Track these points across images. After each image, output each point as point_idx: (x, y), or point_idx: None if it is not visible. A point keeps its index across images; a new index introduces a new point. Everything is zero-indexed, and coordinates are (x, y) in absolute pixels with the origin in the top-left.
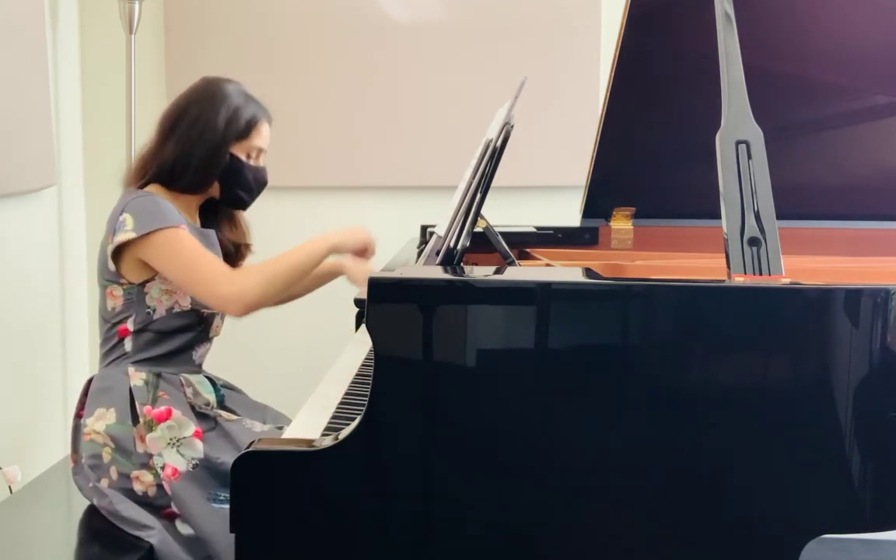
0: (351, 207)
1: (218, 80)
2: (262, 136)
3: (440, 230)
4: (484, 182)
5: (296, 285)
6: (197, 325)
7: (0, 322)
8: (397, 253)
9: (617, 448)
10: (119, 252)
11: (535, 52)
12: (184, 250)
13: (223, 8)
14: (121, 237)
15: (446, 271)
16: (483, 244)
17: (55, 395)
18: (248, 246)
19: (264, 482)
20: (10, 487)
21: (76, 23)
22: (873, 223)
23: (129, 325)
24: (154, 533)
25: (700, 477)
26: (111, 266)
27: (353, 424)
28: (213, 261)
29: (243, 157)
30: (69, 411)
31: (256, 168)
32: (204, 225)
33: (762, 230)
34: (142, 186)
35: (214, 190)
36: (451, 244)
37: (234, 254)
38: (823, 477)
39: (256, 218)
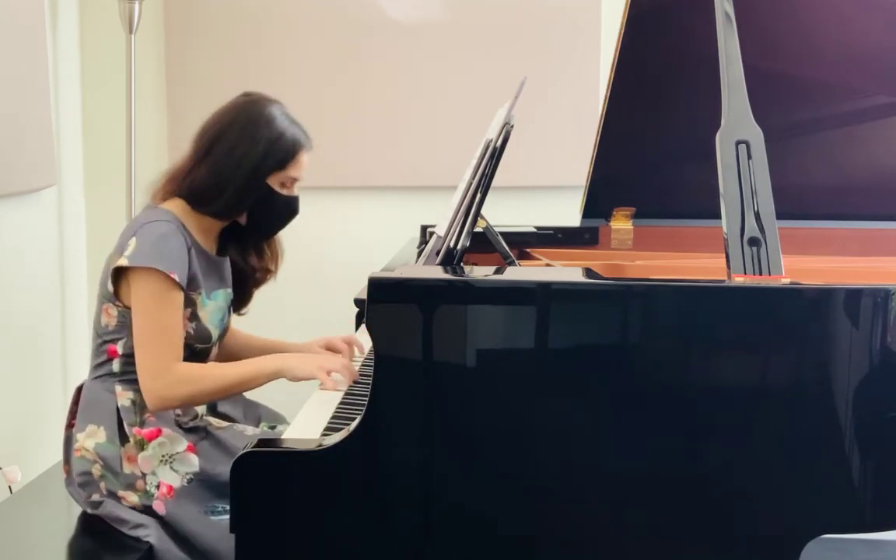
0: (351, 207)
1: (261, 101)
2: (300, 167)
3: (440, 230)
4: (484, 182)
5: (230, 396)
6: (191, 358)
7: (0, 322)
8: (397, 253)
9: (617, 448)
10: (117, 272)
11: (535, 52)
12: (161, 310)
13: (223, 8)
14: (120, 261)
15: (446, 271)
16: (483, 244)
17: (55, 396)
18: (268, 271)
19: (264, 481)
20: (10, 487)
21: (76, 23)
22: (873, 223)
23: (119, 348)
24: (151, 532)
25: (700, 476)
26: (110, 286)
27: (354, 424)
28: (165, 347)
29: (277, 187)
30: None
31: (289, 198)
32: (227, 244)
33: (762, 230)
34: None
35: (241, 217)
36: (451, 244)
37: (250, 278)
38: (824, 477)
39: None
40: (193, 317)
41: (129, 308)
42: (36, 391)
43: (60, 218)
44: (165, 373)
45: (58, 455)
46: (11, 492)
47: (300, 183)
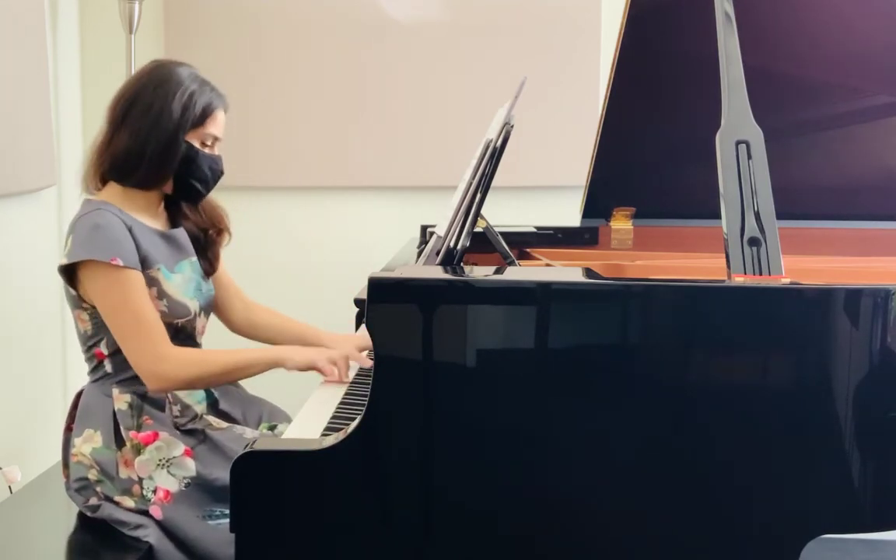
0: (351, 207)
1: (170, 63)
2: (218, 124)
3: (440, 230)
4: (484, 182)
5: (226, 383)
6: (176, 336)
7: (0, 322)
8: (397, 253)
9: (616, 448)
10: (69, 274)
11: (535, 52)
12: (122, 298)
13: (223, 8)
14: (61, 261)
15: (446, 271)
16: (483, 244)
17: (55, 396)
18: (220, 230)
19: (264, 482)
20: (10, 487)
21: (76, 23)
22: (874, 223)
23: (104, 349)
24: (150, 532)
25: (700, 477)
26: (70, 290)
27: (354, 424)
28: (149, 332)
29: (197, 145)
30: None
31: (212, 157)
32: (172, 215)
33: (762, 230)
34: (101, 184)
35: (167, 184)
36: (451, 244)
37: (204, 241)
38: (824, 477)
39: (258, 217)
40: (161, 294)
41: (96, 307)
42: (36, 391)
43: (60, 218)
44: (163, 357)
45: (57, 455)
46: (11, 492)
47: (301, 181)
